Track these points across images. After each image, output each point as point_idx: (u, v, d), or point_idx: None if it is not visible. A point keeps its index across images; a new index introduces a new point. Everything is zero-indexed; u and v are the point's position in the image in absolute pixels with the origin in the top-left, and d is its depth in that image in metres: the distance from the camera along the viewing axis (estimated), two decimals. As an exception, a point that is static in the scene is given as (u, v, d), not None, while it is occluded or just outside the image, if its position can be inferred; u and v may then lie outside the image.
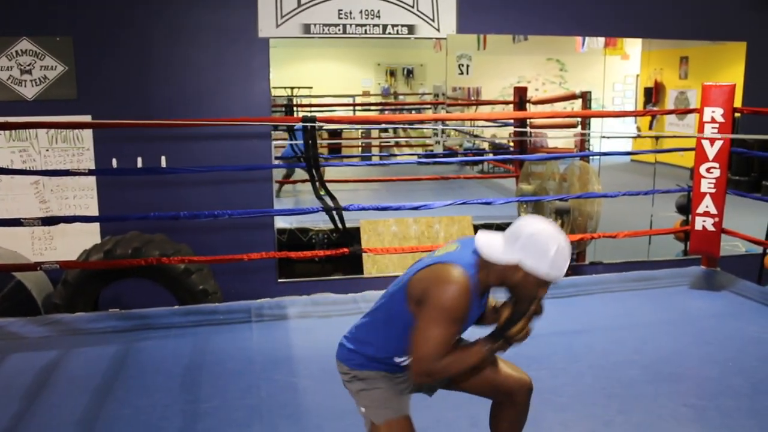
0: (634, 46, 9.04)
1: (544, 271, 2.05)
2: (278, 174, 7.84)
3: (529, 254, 2.05)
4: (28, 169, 5.49)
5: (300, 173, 7.96)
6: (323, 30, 5.78)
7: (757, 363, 3.73)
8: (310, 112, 9.11)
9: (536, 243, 2.05)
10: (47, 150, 5.56)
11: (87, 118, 5.38)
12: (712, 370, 3.68)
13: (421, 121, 8.70)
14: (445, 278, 2.05)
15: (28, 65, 5.37)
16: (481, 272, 2.11)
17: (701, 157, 4.97)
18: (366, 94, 10.15)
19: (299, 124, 4.94)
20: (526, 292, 2.11)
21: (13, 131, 5.37)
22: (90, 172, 5.25)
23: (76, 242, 5.37)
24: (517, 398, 2.37)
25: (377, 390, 2.26)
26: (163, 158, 5.54)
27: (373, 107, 10.21)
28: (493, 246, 2.11)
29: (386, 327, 2.21)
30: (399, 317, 2.16)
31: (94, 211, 5.66)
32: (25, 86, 5.40)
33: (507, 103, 8.92)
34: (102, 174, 5.47)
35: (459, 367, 2.13)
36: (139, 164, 5.49)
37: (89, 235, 5.50)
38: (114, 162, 5.47)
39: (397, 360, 2.22)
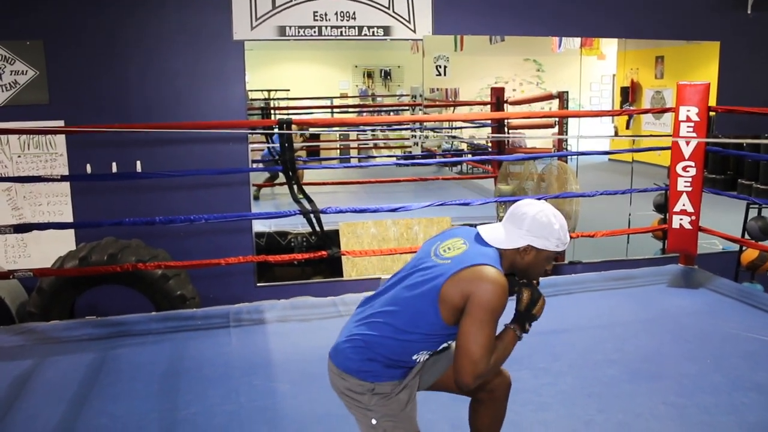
0: (610, 46, 9.10)
1: (554, 246, 2.24)
2: (256, 177, 7.79)
3: (538, 235, 2.22)
4: (-1, 175, 5.42)
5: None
6: (298, 32, 5.74)
7: (736, 359, 3.76)
8: (288, 114, 9.08)
9: (541, 223, 2.22)
10: (19, 156, 5.47)
11: (59, 124, 5.31)
12: (691, 367, 3.70)
13: (399, 123, 8.68)
14: (486, 281, 2.13)
15: (-2, 70, 5.30)
16: (502, 264, 2.23)
17: (677, 155, 5.01)
18: (344, 96, 10.13)
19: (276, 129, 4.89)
20: (538, 269, 2.29)
21: (-16, 137, 5.28)
22: (63, 178, 5.18)
23: (50, 249, 5.29)
24: (496, 394, 2.43)
25: (396, 402, 2.26)
26: (138, 163, 5.48)
27: (351, 109, 10.19)
28: (502, 237, 2.26)
29: (406, 333, 2.20)
30: (425, 323, 2.18)
31: (68, 218, 5.58)
32: (-4, 91, 5.32)
33: (485, 103, 8.94)
34: (76, 180, 5.39)
35: (503, 359, 2.23)
36: (114, 169, 5.42)
37: (64, 242, 5.42)
38: (88, 167, 5.40)
39: (415, 357, 2.25)
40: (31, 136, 5.41)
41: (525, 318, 2.26)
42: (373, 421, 2.25)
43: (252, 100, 8.68)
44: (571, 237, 5.44)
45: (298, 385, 3.50)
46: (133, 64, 5.59)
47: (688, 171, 4.99)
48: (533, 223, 2.22)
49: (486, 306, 2.10)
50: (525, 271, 2.29)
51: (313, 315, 4.53)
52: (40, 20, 5.36)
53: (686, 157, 4.96)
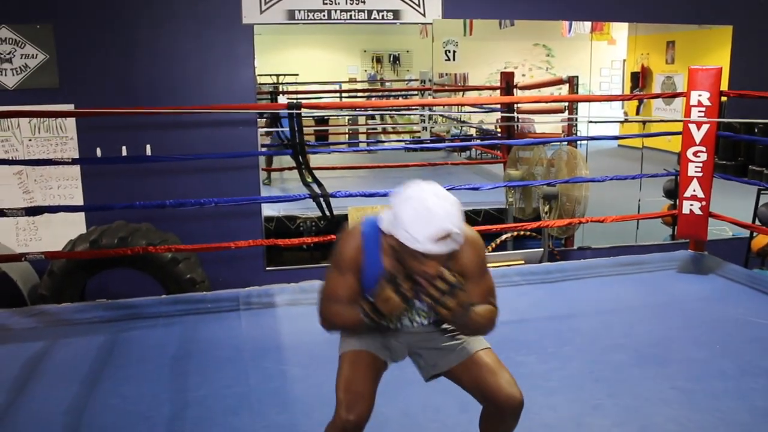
0: (620, 30, 9.03)
1: (403, 239, 1.95)
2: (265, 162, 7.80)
3: (395, 222, 1.98)
4: (10, 159, 5.43)
5: (283, 161, 7.94)
6: (308, 16, 5.73)
7: (744, 345, 3.76)
8: (296, 99, 9.07)
9: (399, 210, 1.96)
10: (30, 140, 5.50)
11: (70, 107, 5.32)
12: (700, 352, 3.69)
13: (408, 108, 8.66)
14: (343, 230, 2.24)
15: (8, 54, 5.29)
16: (385, 236, 2.08)
17: (688, 140, 4.98)
18: (352, 81, 10.11)
19: (285, 111, 4.89)
20: (408, 263, 2.01)
21: (-5, 121, 5.30)
22: (74, 161, 5.20)
23: (61, 232, 5.32)
24: (503, 410, 2.24)
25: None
26: (147, 147, 5.48)
27: (359, 94, 10.17)
28: (385, 213, 2.08)
29: None
30: None
31: (78, 201, 5.60)
32: (6, 75, 5.32)
33: (494, 88, 8.90)
34: (86, 163, 5.41)
35: (341, 319, 2.20)
36: (124, 153, 5.43)
37: (74, 225, 5.45)
38: (98, 151, 5.41)
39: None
40: (42, 119, 5.43)
41: (374, 304, 2.08)
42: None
43: (261, 84, 8.68)
44: (580, 222, 5.47)
45: (307, 367, 3.51)
46: (142, 48, 5.58)
47: (698, 156, 4.96)
48: (396, 209, 1.97)
49: (331, 254, 2.21)
50: (401, 259, 2.04)
51: (322, 299, 4.53)
52: (49, 4, 5.37)
53: (697, 142, 4.93)
